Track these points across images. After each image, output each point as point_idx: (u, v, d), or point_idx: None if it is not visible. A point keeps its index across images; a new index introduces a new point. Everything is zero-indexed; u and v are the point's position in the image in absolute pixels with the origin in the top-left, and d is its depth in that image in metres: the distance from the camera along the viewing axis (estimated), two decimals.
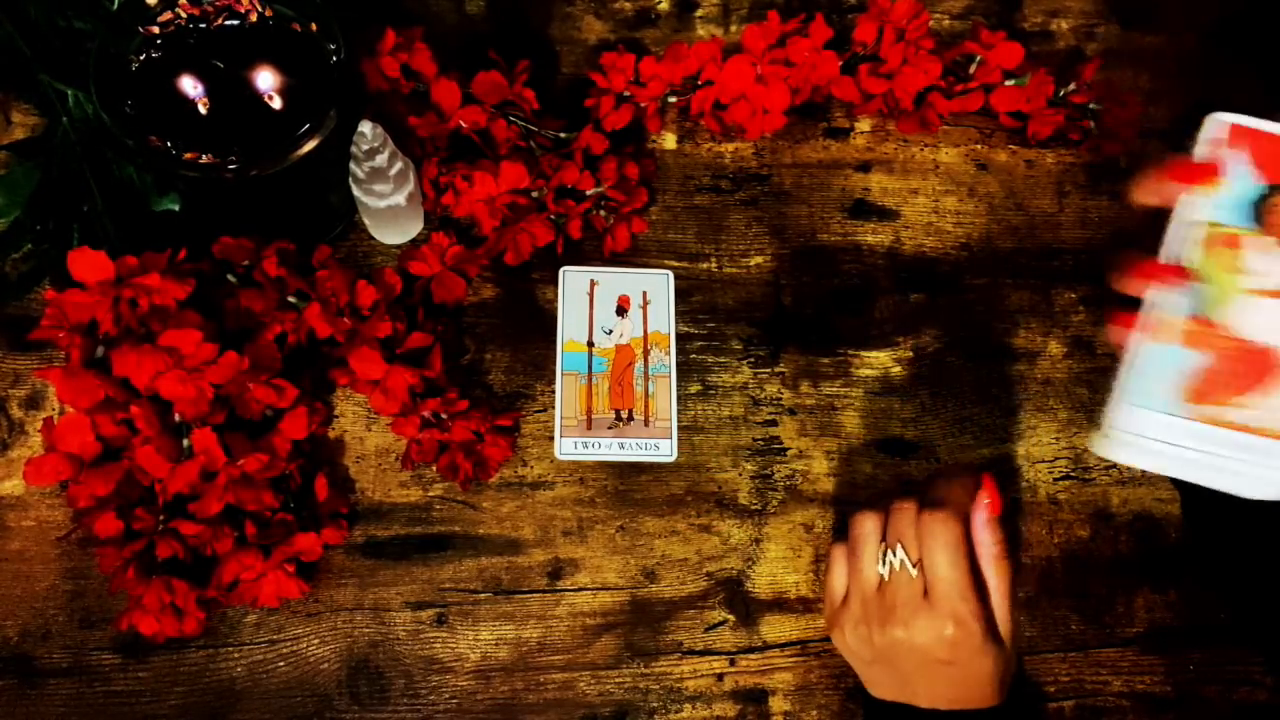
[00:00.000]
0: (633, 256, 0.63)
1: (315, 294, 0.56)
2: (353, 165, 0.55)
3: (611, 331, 0.61)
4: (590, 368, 0.60)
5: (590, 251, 0.63)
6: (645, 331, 0.61)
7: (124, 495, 0.52)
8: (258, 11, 0.55)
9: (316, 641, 0.55)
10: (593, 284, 0.62)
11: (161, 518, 0.52)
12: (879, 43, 0.64)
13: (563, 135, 0.63)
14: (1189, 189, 0.40)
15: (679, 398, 0.60)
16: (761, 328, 0.63)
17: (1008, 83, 0.66)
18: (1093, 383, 0.63)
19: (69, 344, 0.52)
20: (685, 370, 0.61)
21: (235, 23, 0.55)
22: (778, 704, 0.56)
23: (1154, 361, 0.39)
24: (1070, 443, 0.61)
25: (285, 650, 0.55)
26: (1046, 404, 0.62)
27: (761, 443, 0.60)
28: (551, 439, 0.59)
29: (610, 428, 0.59)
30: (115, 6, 0.57)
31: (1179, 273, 0.39)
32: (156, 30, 0.54)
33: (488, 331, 0.62)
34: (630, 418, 0.59)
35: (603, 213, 0.61)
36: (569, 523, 0.58)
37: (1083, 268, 0.65)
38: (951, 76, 0.66)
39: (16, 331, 0.59)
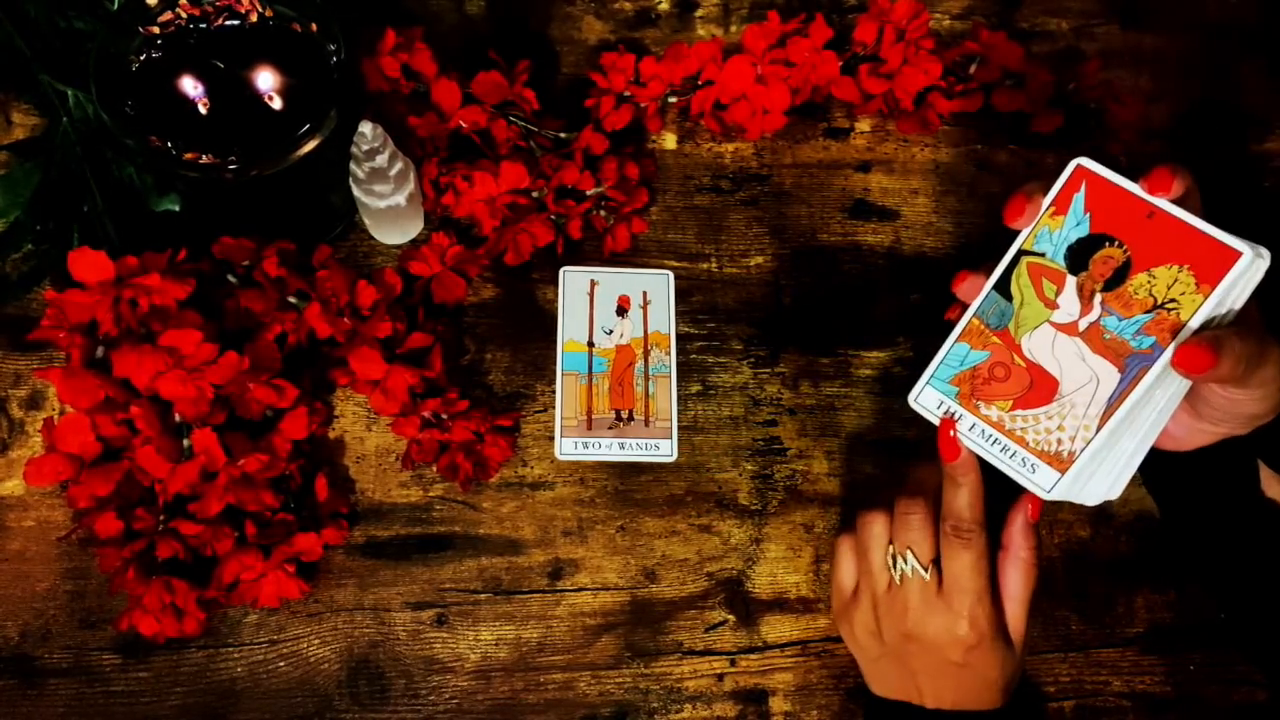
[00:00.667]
0: (633, 256, 0.63)
1: (315, 294, 0.56)
2: (353, 165, 0.55)
3: (612, 331, 0.61)
4: (590, 368, 0.60)
5: (590, 251, 0.63)
6: (645, 331, 0.61)
7: (124, 495, 0.52)
8: (258, 11, 0.55)
9: (317, 642, 0.55)
10: (593, 284, 0.62)
11: (161, 518, 0.52)
12: (879, 43, 0.64)
13: (563, 135, 0.63)
14: (1034, 219, 0.44)
15: (679, 398, 0.60)
16: (761, 328, 0.63)
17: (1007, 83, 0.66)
18: None
19: (69, 344, 0.52)
20: (685, 370, 0.61)
21: (235, 23, 0.55)
22: (778, 704, 0.56)
23: (958, 356, 0.46)
24: None
25: (285, 650, 0.55)
26: None
27: (761, 443, 0.60)
28: (551, 439, 0.59)
29: (610, 428, 0.59)
30: (115, 6, 0.57)
31: (979, 287, 0.45)
32: (156, 30, 0.54)
33: (488, 331, 0.62)
34: (630, 418, 0.59)
35: (603, 213, 0.61)
36: (569, 523, 0.58)
37: None
38: (951, 76, 0.66)
39: (16, 331, 0.59)
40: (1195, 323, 0.40)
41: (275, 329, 0.55)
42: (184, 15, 0.55)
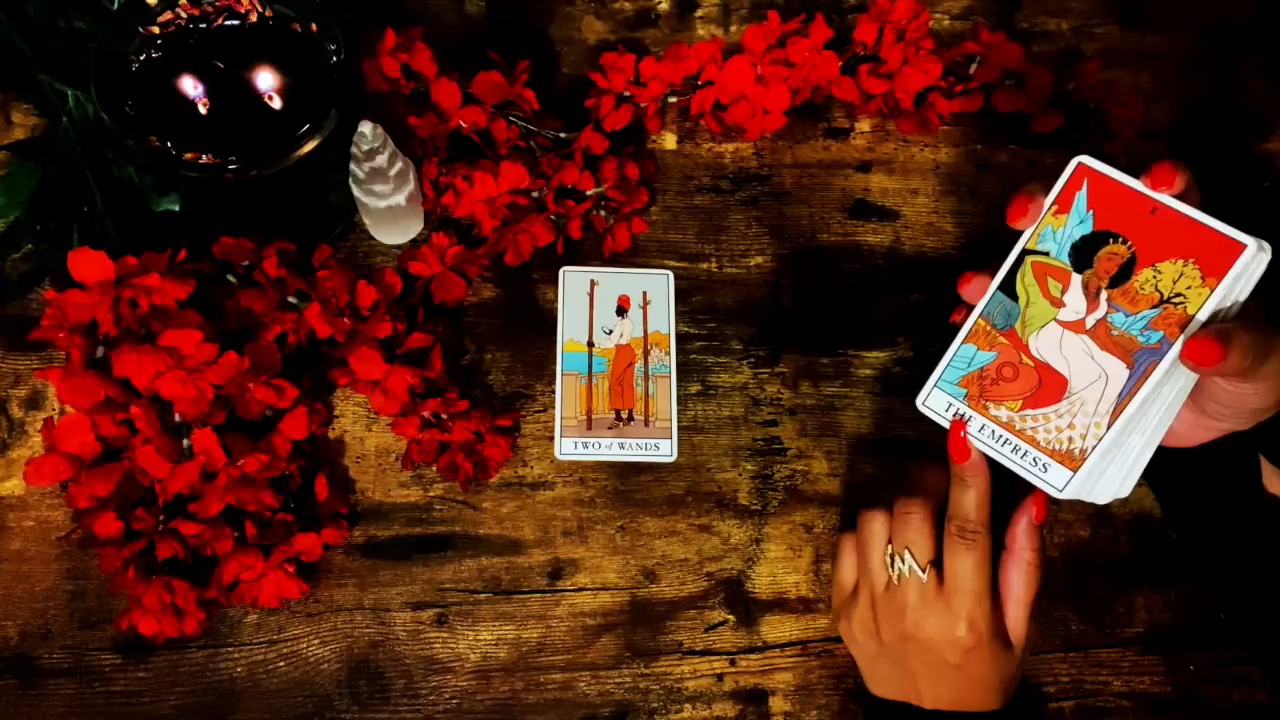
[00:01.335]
0: (633, 256, 0.63)
1: (315, 294, 0.56)
2: (353, 165, 0.55)
3: (611, 331, 0.61)
4: (590, 368, 0.60)
5: (590, 251, 0.63)
6: (645, 331, 0.61)
7: (124, 495, 0.52)
8: (258, 11, 0.55)
9: (316, 641, 0.55)
10: (593, 284, 0.62)
11: (161, 518, 0.52)
12: (879, 43, 0.64)
13: (563, 135, 0.63)
14: (1037, 219, 0.45)
15: (679, 398, 0.60)
16: (761, 328, 0.63)
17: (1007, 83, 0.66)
18: None
19: (69, 344, 0.52)
20: (685, 370, 0.61)
21: (235, 23, 0.55)
22: (778, 704, 0.56)
23: (965, 357, 0.46)
24: None
25: (285, 650, 0.55)
26: None
27: (761, 443, 0.60)
28: (551, 439, 0.59)
29: (610, 428, 0.59)
30: (115, 6, 0.57)
31: (984, 288, 0.46)
32: (156, 30, 0.54)
33: (488, 331, 0.62)
34: (630, 418, 0.59)
35: (603, 213, 0.61)
36: (569, 523, 0.58)
37: None
38: (951, 76, 0.66)
39: (16, 331, 0.59)
40: (1203, 316, 0.40)
41: (275, 329, 0.55)
42: (184, 15, 0.55)
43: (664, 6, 0.71)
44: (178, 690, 0.54)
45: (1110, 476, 0.45)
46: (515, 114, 0.63)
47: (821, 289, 0.64)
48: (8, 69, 0.60)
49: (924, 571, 0.48)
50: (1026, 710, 0.56)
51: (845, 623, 0.52)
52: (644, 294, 0.62)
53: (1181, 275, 0.41)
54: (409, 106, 0.62)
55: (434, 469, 0.58)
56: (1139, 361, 0.42)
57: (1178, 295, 0.41)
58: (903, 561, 0.49)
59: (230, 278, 0.56)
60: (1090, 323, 0.43)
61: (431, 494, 0.58)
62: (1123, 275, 0.42)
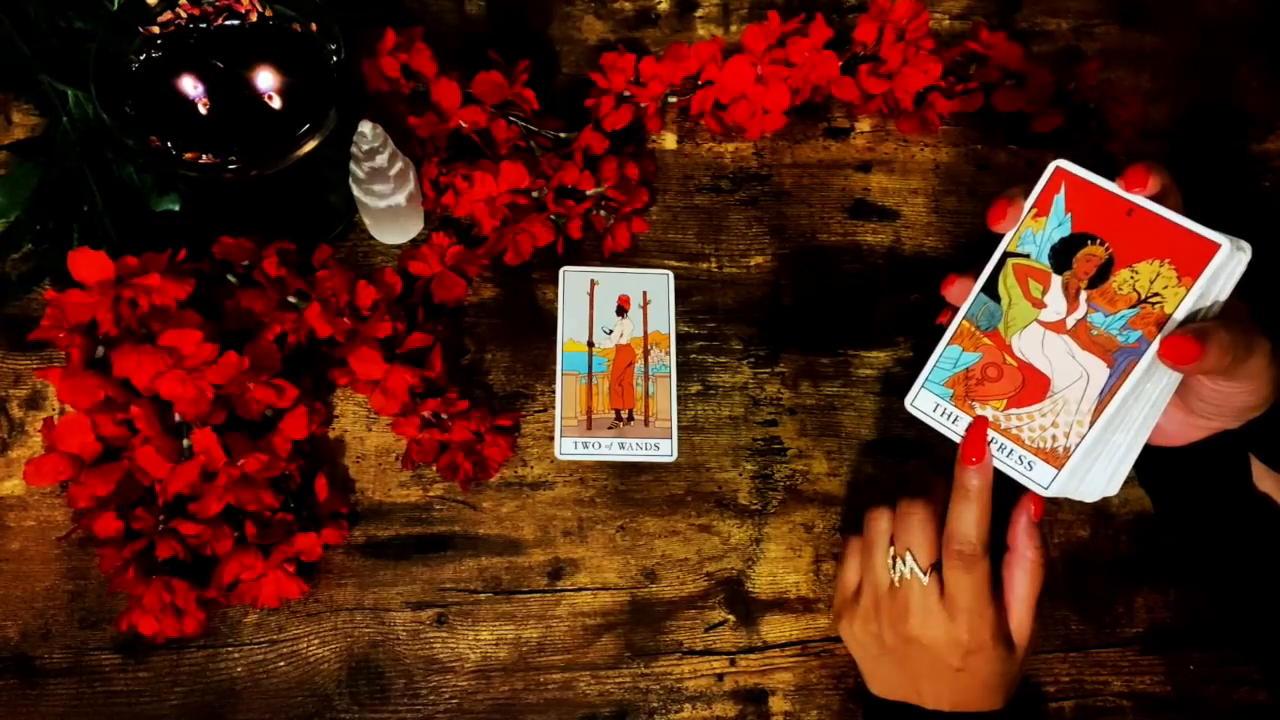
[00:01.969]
0: (633, 256, 0.63)
1: (315, 294, 0.56)
2: (353, 165, 0.55)
3: (611, 331, 0.61)
4: (590, 368, 0.60)
5: (590, 251, 0.63)
6: (645, 331, 0.61)
7: (124, 495, 0.52)
8: (258, 11, 0.55)
9: (316, 641, 0.55)
10: (593, 284, 0.62)
11: (161, 518, 0.52)
12: (879, 43, 0.64)
13: (563, 135, 0.63)
14: (1017, 222, 0.45)
15: (679, 398, 0.60)
16: (761, 328, 0.63)
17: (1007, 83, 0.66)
18: None
19: (69, 344, 0.52)
20: (685, 370, 0.61)
21: (235, 23, 0.55)
22: (778, 704, 0.56)
23: (950, 358, 0.47)
24: None
25: (285, 650, 0.55)
26: None
27: (761, 443, 0.60)
28: (551, 439, 0.59)
29: (610, 428, 0.59)
30: (115, 6, 0.57)
31: (967, 290, 0.46)
32: (156, 30, 0.54)
33: (488, 331, 0.62)
34: (630, 418, 0.59)
35: (603, 213, 0.61)
36: (569, 523, 0.58)
37: None
38: (951, 76, 0.66)
39: (16, 331, 0.59)
40: (1179, 315, 0.41)
41: (275, 329, 0.55)
42: (184, 15, 0.55)
43: (664, 6, 0.71)
44: (178, 690, 0.54)
45: (1096, 474, 0.45)
46: (515, 114, 0.63)
47: (821, 289, 0.64)
48: (8, 69, 0.60)
49: (925, 575, 0.48)
50: (1027, 710, 0.56)
51: (847, 622, 0.52)
52: (644, 294, 0.62)
53: (1158, 275, 0.41)
54: (409, 106, 0.62)
55: (434, 469, 0.58)
56: (1119, 361, 0.42)
57: (1155, 295, 0.41)
58: (904, 564, 0.48)
59: (230, 278, 0.56)
60: (1071, 323, 0.44)
61: (431, 494, 0.58)
62: (1101, 276, 0.43)
